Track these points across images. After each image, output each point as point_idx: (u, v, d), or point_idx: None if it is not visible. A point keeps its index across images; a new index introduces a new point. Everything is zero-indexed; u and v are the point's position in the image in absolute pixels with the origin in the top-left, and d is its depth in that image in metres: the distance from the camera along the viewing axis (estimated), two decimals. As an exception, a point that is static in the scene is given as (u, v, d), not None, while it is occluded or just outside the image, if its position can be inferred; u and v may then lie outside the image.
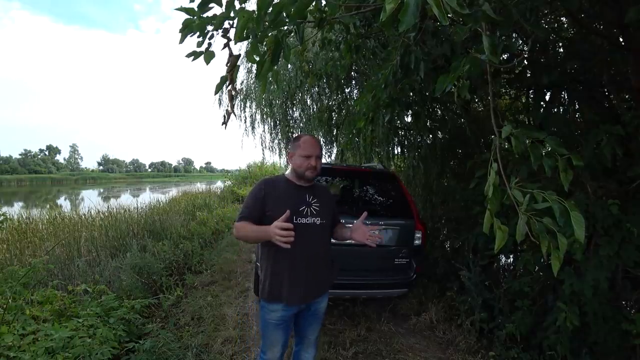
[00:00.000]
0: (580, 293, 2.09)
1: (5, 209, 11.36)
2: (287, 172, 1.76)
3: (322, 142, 7.27)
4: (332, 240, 1.81)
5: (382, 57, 3.01)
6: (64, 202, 17.92)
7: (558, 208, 0.93)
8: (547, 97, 2.52)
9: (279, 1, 1.19)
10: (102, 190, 29.96)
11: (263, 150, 7.86)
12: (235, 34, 1.33)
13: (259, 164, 16.03)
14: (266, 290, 1.62)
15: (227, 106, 1.67)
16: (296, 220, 1.57)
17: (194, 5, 1.39)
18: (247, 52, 1.48)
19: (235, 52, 1.55)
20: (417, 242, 3.10)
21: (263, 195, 1.61)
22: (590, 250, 2.09)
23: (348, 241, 2.86)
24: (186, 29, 1.41)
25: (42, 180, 64.95)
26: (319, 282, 1.69)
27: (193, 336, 2.75)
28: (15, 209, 11.62)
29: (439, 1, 0.76)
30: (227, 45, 1.54)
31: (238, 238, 1.62)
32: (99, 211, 7.05)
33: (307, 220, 1.61)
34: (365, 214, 1.69)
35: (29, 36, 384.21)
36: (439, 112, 4.67)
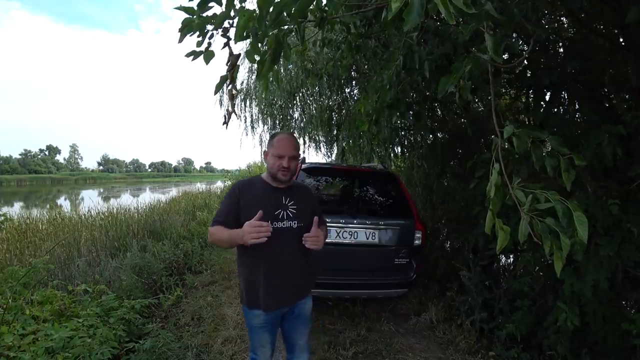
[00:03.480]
0: (580, 293, 2.08)
1: (5, 209, 11.35)
2: (264, 173, 1.66)
3: (321, 142, 7.25)
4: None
5: (384, 57, 3.01)
6: (64, 202, 17.93)
7: (561, 208, 0.93)
8: (547, 97, 2.52)
9: (280, 0, 1.19)
10: (102, 190, 29.97)
11: (262, 150, 7.86)
12: (235, 33, 1.32)
13: (258, 164, 16.03)
14: (245, 297, 1.59)
15: (228, 106, 1.66)
16: (272, 224, 1.47)
17: (194, 4, 1.38)
18: (247, 52, 1.46)
19: (235, 52, 1.54)
20: (417, 242, 3.09)
21: (237, 199, 1.55)
22: (591, 250, 2.09)
23: (347, 241, 2.91)
24: (185, 29, 1.40)
25: (42, 180, 64.96)
26: (298, 287, 1.63)
27: (193, 336, 2.75)
28: (16, 209, 11.63)
29: (446, 0, 0.76)
30: (227, 44, 1.53)
31: (212, 242, 1.57)
32: (99, 211, 7.06)
33: (284, 225, 1.53)
34: (316, 219, 1.53)
35: (29, 36, 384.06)
36: (440, 112, 4.67)
